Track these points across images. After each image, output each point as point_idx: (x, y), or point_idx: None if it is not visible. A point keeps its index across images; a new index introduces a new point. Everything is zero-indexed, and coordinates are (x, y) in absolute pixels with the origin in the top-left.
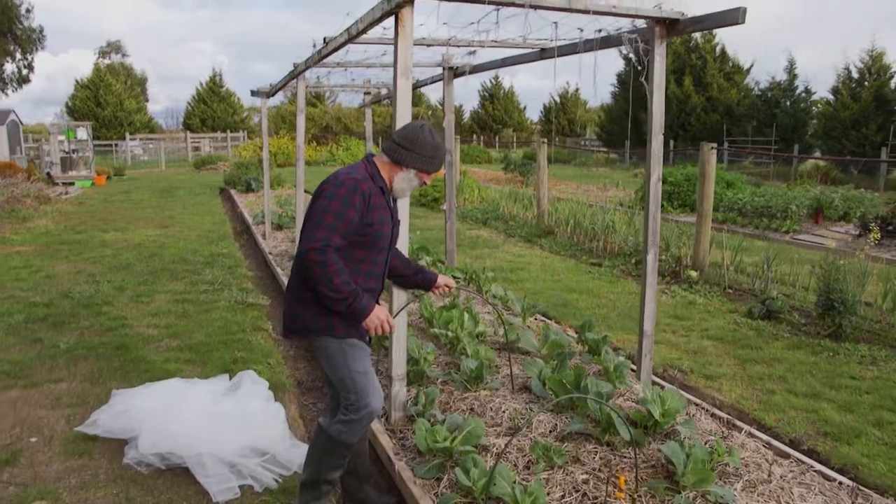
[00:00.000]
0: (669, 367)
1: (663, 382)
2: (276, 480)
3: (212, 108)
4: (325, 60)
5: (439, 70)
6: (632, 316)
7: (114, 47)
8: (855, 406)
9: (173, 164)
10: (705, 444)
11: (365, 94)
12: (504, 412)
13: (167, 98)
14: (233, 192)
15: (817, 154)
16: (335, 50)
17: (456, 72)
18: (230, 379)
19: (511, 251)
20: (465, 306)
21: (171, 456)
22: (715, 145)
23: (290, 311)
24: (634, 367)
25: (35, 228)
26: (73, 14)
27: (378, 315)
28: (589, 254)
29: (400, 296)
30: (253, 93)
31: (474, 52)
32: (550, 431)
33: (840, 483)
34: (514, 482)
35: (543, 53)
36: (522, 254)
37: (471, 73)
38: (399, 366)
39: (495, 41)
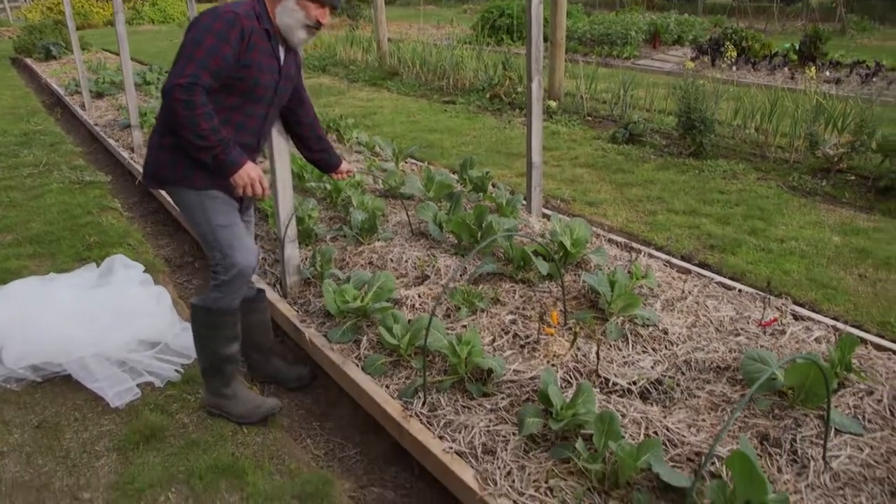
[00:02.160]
0: (552, 197)
1: (552, 213)
2: (178, 371)
3: None
4: None
5: None
6: (499, 150)
7: None
8: (729, 218)
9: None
10: (626, 271)
11: None
12: (407, 261)
13: None
14: (29, 61)
15: None
16: None
17: None
18: (98, 267)
19: (359, 97)
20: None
21: (46, 366)
22: None
23: (150, 157)
24: (524, 202)
25: None
26: None
27: (249, 172)
28: (440, 92)
29: (282, 152)
30: None
31: None
32: (461, 276)
33: (739, 290)
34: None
35: None
36: (371, 98)
37: None
38: (287, 226)
39: None
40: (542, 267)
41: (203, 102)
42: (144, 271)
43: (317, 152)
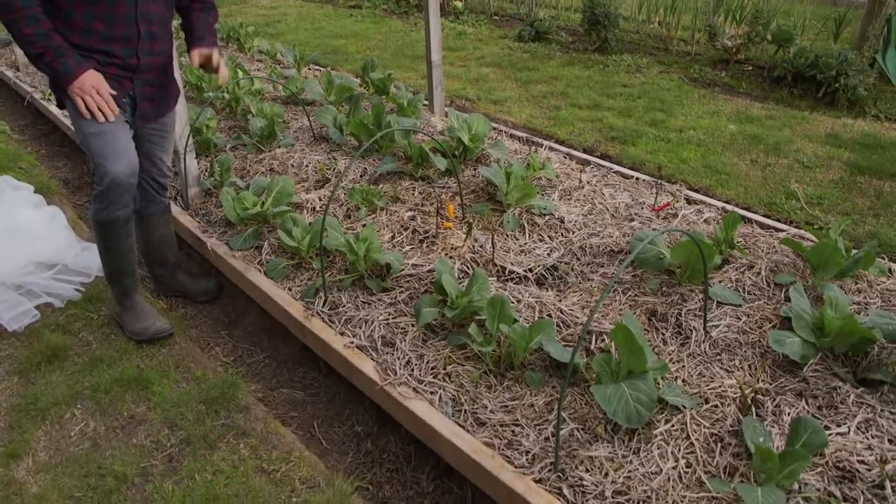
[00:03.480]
0: (456, 97)
1: (456, 112)
2: (78, 290)
3: None
4: None
5: None
6: (405, 53)
7: None
8: (631, 111)
9: None
10: (524, 164)
11: None
12: (307, 166)
13: None
14: None
15: None
16: None
17: None
18: None
19: (261, 4)
20: (236, 63)
21: None
22: None
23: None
24: (426, 102)
25: None
26: None
27: (89, 81)
28: None
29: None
30: None
31: None
32: (361, 176)
33: (637, 179)
34: (344, 232)
35: None
36: (275, 5)
37: None
38: (183, 137)
39: None
40: (441, 163)
41: (24, 4)
42: (35, 192)
43: (191, 35)
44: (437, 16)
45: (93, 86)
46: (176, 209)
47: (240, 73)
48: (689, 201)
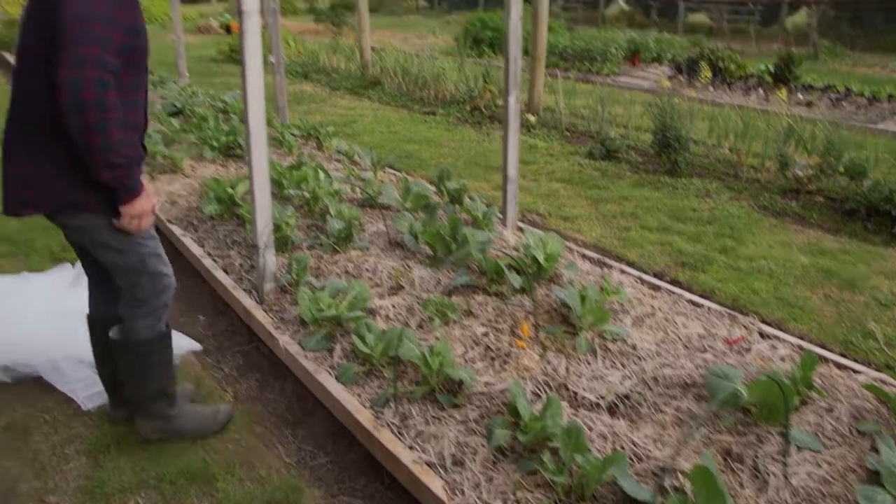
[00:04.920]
0: (528, 211)
1: (527, 227)
2: None
3: None
4: None
5: None
6: (477, 163)
7: None
8: (701, 236)
9: None
10: (597, 287)
11: None
12: (382, 271)
13: None
14: (8, 55)
15: None
16: None
17: None
18: (73, 268)
19: (340, 104)
20: (316, 164)
21: (17, 367)
22: None
23: (27, 173)
24: (500, 215)
25: None
26: None
27: (144, 203)
28: (420, 103)
29: (261, 157)
30: None
31: None
32: (435, 286)
33: (708, 308)
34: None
35: None
36: (352, 106)
37: None
38: (265, 233)
39: None
40: (515, 280)
41: (116, 104)
42: None
43: None
44: (517, 132)
45: (146, 206)
46: (250, 302)
47: (321, 174)
48: (762, 335)
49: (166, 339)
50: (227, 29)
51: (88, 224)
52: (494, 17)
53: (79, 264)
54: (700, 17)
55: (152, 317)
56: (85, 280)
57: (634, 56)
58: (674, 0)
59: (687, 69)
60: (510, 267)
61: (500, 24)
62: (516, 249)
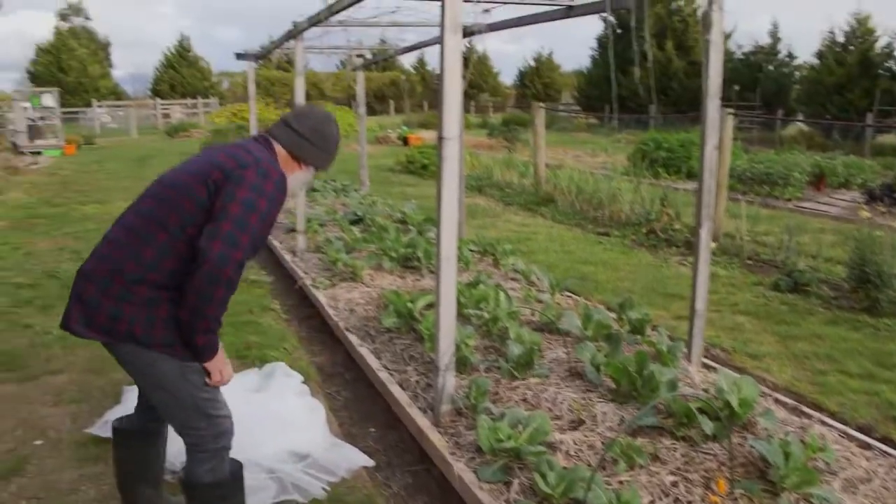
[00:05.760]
0: (710, 345)
1: (712, 363)
2: (324, 489)
3: (181, 74)
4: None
5: (436, 31)
6: (655, 290)
7: (74, 10)
8: None
9: (144, 132)
10: (801, 441)
11: (357, 56)
12: (562, 402)
13: (130, 64)
14: None
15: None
16: (351, 5)
17: (465, 32)
18: (259, 370)
19: (513, 220)
20: (496, 283)
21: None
22: (733, 111)
23: (106, 304)
24: (685, 349)
25: (8, 201)
26: None
27: (222, 361)
28: (594, 223)
29: (449, 277)
30: (238, 56)
31: (489, 10)
32: (619, 424)
33: None
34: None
35: (571, 11)
36: (526, 223)
37: (485, 32)
38: (447, 354)
39: None
40: (707, 426)
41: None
42: (303, 382)
43: None
44: (707, 265)
45: (221, 367)
46: (425, 423)
47: (500, 294)
48: None
49: (235, 483)
50: (405, 140)
51: (142, 358)
52: (668, 137)
53: (265, 368)
54: (890, 139)
55: (215, 459)
56: (270, 385)
57: (819, 180)
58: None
59: (885, 196)
60: (701, 410)
61: (675, 145)
62: (705, 390)
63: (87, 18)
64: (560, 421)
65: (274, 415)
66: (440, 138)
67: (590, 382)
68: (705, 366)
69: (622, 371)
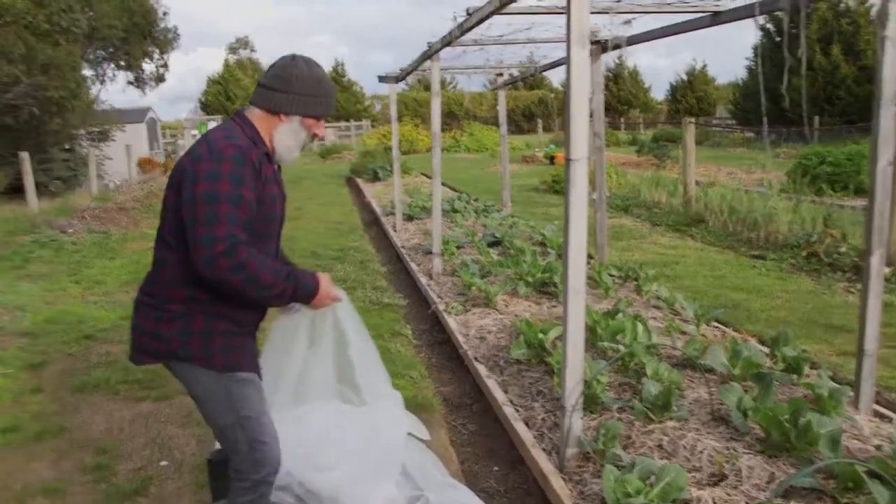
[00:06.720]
0: (882, 388)
1: (886, 411)
2: None
3: (336, 98)
4: (461, 39)
5: None
6: (815, 320)
7: (242, 43)
8: None
9: (300, 154)
10: None
11: (497, 75)
12: (702, 452)
13: None
14: (359, 181)
15: None
16: (480, 22)
17: (605, 46)
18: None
19: (659, 242)
20: (635, 314)
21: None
22: None
23: (147, 327)
24: (851, 394)
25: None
26: (197, 16)
27: (327, 293)
28: (748, 245)
29: (577, 306)
30: (381, 78)
31: (630, 21)
32: (768, 483)
33: None
34: None
35: (718, 17)
36: (673, 245)
37: (625, 45)
38: (574, 394)
39: (660, 5)
40: (880, 495)
41: (251, 254)
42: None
43: None
44: (879, 298)
45: (331, 293)
46: (548, 467)
47: (639, 326)
48: None
49: None
50: (551, 159)
51: (186, 375)
52: (833, 150)
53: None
54: None
55: (253, 493)
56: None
57: None
58: None
59: None
60: (872, 474)
61: (841, 160)
62: (877, 446)
63: (253, 50)
64: (698, 473)
65: (392, 450)
66: (567, 160)
67: (735, 430)
68: (877, 414)
69: (772, 420)
